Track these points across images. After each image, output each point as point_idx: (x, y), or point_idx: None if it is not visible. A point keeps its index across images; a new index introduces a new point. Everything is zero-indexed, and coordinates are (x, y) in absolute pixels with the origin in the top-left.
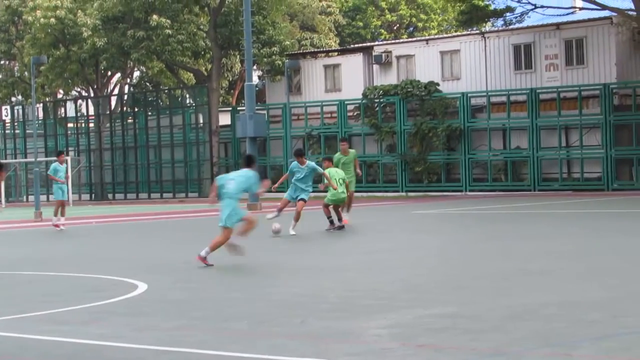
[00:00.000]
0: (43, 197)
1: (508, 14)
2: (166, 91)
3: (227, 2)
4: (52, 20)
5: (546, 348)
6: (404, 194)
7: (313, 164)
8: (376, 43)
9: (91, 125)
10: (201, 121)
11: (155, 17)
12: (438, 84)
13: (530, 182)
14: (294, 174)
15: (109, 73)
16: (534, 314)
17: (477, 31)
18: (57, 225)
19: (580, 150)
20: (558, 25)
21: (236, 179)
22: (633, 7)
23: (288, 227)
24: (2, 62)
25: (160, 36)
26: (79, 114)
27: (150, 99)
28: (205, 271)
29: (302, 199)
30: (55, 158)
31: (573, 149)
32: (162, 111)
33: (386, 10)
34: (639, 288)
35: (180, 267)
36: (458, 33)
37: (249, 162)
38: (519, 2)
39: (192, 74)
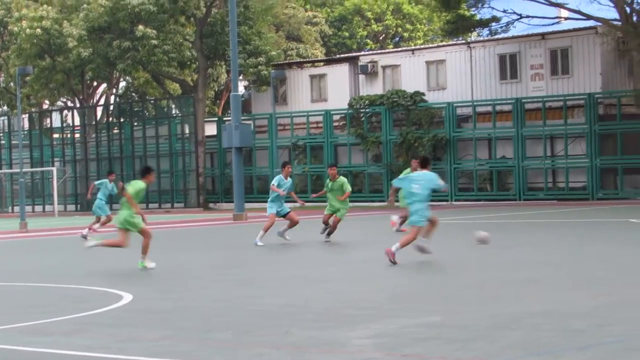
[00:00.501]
0: (28, 208)
1: (493, 23)
2: (152, 101)
3: (213, 12)
4: (38, 30)
5: (531, 357)
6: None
7: (291, 180)
8: (362, 53)
9: (77, 135)
10: (187, 131)
11: (141, 27)
12: (424, 94)
13: (515, 191)
14: (283, 186)
15: (95, 83)
16: (520, 323)
17: (463, 41)
18: (93, 230)
19: (565, 160)
20: (543, 35)
21: (421, 182)
22: (618, 17)
23: (256, 237)
24: None
25: (146, 46)
26: (64, 125)
27: (136, 109)
28: (190, 281)
29: (290, 211)
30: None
31: (558, 158)
32: (148, 121)
33: (372, 21)
34: (625, 297)
35: (165, 277)
36: (444, 43)
37: (425, 164)
38: (504, 12)
39: (178, 85)
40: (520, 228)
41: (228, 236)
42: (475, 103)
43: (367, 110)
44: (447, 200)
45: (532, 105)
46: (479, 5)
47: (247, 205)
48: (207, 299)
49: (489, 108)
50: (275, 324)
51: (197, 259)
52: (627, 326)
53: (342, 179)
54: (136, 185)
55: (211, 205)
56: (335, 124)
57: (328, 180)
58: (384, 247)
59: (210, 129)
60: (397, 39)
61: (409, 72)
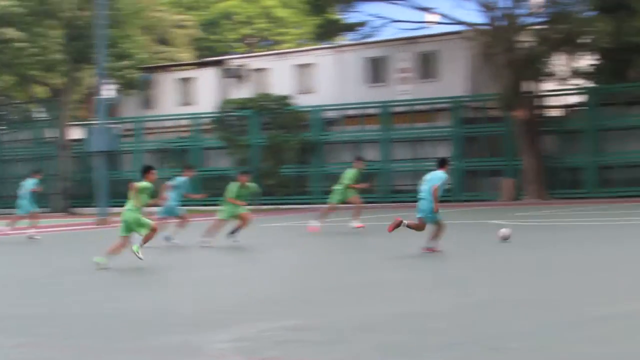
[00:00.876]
0: None
1: (362, 28)
2: (17, 105)
3: (81, 15)
4: None
5: (390, 358)
6: (256, 207)
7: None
8: (231, 56)
9: None
10: (53, 135)
11: (7, 29)
12: (292, 98)
13: (381, 193)
14: (180, 188)
15: None
16: (380, 325)
17: (332, 45)
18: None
19: (431, 163)
20: (411, 39)
21: (429, 181)
22: (484, 21)
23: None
24: None
25: (12, 49)
26: None
27: (0, 112)
28: (53, 286)
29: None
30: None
31: (424, 161)
32: (13, 125)
33: (242, 24)
34: (484, 298)
35: (26, 282)
36: (313, 47)
37: (442, 164)
38: (373, 16)
39: (44, 88)
40: (382, 230)
41: (92, 241)
42: (343, 107)
43: (236, 113)
44: (313, 204)
45: (400, 109)
46: (348, 9)
47: (114, 210)
48: (68, 304)
49: (357, 111)
50: (135, 329)
51: (58, 264)
52: (486, 326)
53: (254, 185)
54: (142, 188)
55: (76, 209)
56: (204, 127)
57: (238, 187)
58: (249, 250)
59: (77, 133)
60: (267, 42)
61: (278, 75)
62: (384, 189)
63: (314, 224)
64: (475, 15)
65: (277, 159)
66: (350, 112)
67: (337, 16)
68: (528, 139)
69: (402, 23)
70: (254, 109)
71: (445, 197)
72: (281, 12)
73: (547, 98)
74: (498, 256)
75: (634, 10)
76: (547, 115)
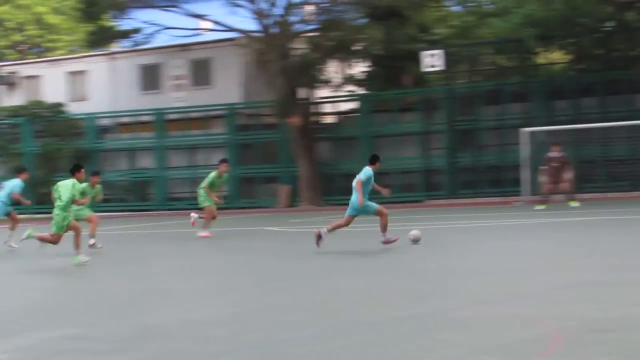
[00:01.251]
0: None
1: (135, 35)
2: None
3: None
4: None
5: None
6: (30, 215)
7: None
8: (2, 63)
9: None
10: None
11: None
12: (65, 105)
13: (156, 201)
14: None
15: None
16: (159, 333)
17: (105, 52)
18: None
19: (206, 170)
20: (185, 47)
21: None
22: (258, 28)
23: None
24: None
25: None
26: None
27: None
28: None
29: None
30: None
31: (199, 168)
32: None
33: (13, 31)
34: (260, 304)
35: None
36: (86, 54)
37: (372, 161)
38: (146, 23)
39: None
40: (162, 238)
41: None
42: (117, 114)
43: (8, 121)
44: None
45: (174, 116)
46: (121, 16)
47: None
48: None
49: (131, 119)
50: None
51: None
52: (262, 333)
53: (100, 187)
54: (76, 187)
55: None
56: None
57: (88, 188)
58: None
59: None
60: (39, 49)
61: (51, 83)
62: (160, 197)
63: (205, 232)
64: (248, 23)
65: (51, 167)
66: (125, 120)
67: (110, 23)
68: (303, 145)
69: (175, 30)
70: (27, 117)
71: (224, 204)
72: (53, 19)
73: (322, 105)
74: (278, 262)
75: (405, 18)
76: (322, 122)
